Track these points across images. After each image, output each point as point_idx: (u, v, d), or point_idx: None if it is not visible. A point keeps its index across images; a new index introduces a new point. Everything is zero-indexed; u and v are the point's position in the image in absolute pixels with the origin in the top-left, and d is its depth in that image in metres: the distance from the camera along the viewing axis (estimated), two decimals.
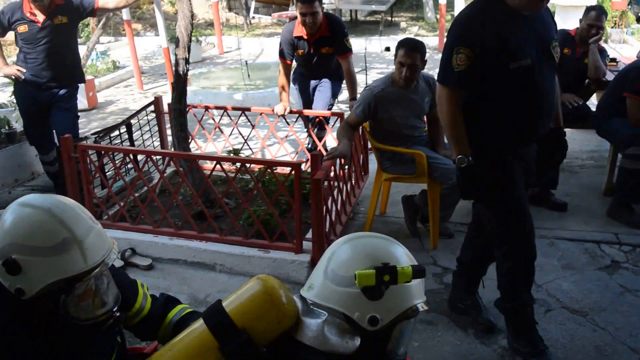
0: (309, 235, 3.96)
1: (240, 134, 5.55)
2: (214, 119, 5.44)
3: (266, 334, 1.61)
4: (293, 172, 3.77)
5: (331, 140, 5.04)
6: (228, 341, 1.58)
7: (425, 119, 4.46)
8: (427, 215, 4.27)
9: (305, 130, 5.70)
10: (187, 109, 4.87)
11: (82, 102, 8.41)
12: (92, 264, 1.66)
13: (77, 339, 1.82)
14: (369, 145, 4.88)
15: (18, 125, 5.62)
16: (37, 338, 1.73)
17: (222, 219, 4.45)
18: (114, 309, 1.78)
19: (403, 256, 1.60)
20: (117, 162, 4.41)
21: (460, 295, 3.38)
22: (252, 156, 5.51)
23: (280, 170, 4.58)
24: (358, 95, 4.60)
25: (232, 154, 5.05)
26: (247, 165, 4.16)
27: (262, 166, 4.44)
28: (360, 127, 4.51)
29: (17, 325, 1.71)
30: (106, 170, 4.79)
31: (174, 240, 4.18)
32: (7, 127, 5.55)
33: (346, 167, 4.26)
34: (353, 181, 4.78)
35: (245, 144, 5.48)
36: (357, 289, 1.50)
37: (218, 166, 4.04)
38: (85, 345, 1.86)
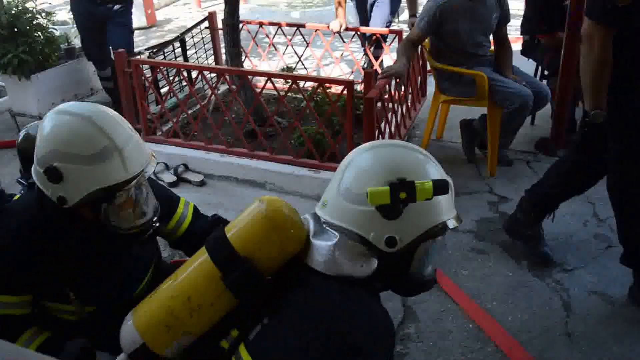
0: None
1: (295, 52, 5.40)
2: (268, 37, 5.29)
3: (271, 261, 1.44)
4: (345, 90, 3.63)
5: (388, 60, 4.83)
6: (230, 271, 1.42)
7: (492, 38, 4.18)
8: (486, 141, 4.07)
9: (362, 49, 5.49)
10: (241, 25, 4.73)
11: (140, 19, 8.40)
12: (132, 173, 1.63)
13: (117, 248, 1.83)
14: (428, 67, 4.66)
15: (77, 42, 5.63)
16: (78, 247, 1.74)
17: (273, 137, 4.39)
18: (153, 219, 1.78)
19: (427, 168, 1.37)
20: (170, 78, 4.37)
21: (525, 222, 3.18)
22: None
23: (333, 90, 4.44)
24: (419, 12, 4.35)
25: (285, 72, 4.92)
26: (300, 83, 4.03)
27: (314, 84, 4.30)
28: (420, 46, 4.28)
29: (59, 234, 1.71)
30: (160, 87, 4.76)
31: (225, 158, 4.16)
32: (66, 43, 5.56)
33: (401, 87, 4.08)
34: (409, 103, 4.60)
35: (300, 62, 5.34)
36: (371, 206, 1.31)
37: (270, 84, 3.93)
38: (125, 255, 1.87)
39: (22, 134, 2.03)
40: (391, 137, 4.13)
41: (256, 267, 1.42)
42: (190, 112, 4.59)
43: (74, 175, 1.59)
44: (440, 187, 1.30)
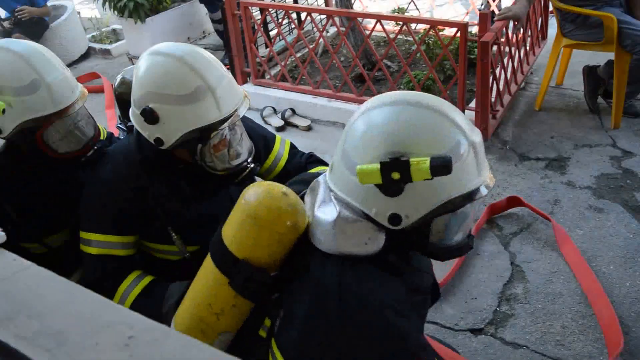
0: (473, 104, 3.68)
1: None
2: None
3: (272, 255, 1.32)
4: (459, 33, 3.45)
5: (507, 0, 4.53)
6: (234, 276, 1.33)
7: None
8: (611, 89, 3.75)
9: None
10: None
11: None
12: (226, 113, 1.64)
13: (214, 189, 1.85)
14: (550, 7, 4.32)
15: None
16: (177, 188, 1.79)
17: (382, 82, 4.29)
18: (248, 160, 1.79)
19: (438, 139, 1.14)
20: (279, 21, 4.34)
21: None
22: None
23: (446, 32, 4.24)
24: None
25: (396, 13, 4.75)
26: (411, 25, 3.87)
27: (425, 26, 4.12)
28: None
29: (158, 175, 1.76)
30: (269, 29, 4.75)
31: (332, 102, 4.12)
32: None
33: (520, 30, 3.81)
34: (527, 46, 4.31)
35: (412, 3, 5.13)
36: None
37: (380, 26, 3.80)
38: (222, 195, 1.88)
39: (118, 78, 2.08)
40: (506, 83, 3.91)
41: (257, 268, 1.31)
42: (298, 55, 4.56)
43: (169, 116, 1.62)
44: (439, 168, 1.09)
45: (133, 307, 1.75)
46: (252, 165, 1.80)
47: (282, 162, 2.03)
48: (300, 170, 1.98)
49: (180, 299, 1.71)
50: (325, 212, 1.27)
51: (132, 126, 1.77)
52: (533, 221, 2.99)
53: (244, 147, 1.78)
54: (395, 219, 1.16)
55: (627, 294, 2.51)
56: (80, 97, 1.87)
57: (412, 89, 3.75)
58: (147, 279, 1.80)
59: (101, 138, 2.03)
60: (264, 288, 1.33)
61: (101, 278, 1.78)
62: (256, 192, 1.31)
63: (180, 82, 1.60)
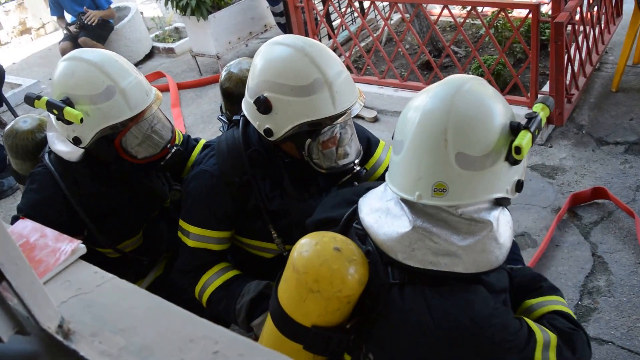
0: (546, 88, 3.54)
1: None
2: None
3: (344, 315, 1.28)
4: (530, 14, 3.32)
5: None
6: (308, 342, 1.28)
7: None
8: None
9: None
10: None
11: None
12: (340, 109, 1.60)
13: (317, 190, 1.81)
14: None
15: None
16: (280, 186, 1.76)
17: (450, 69, 4.21)
18: (355, 162, 1.73)
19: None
20: (342, 11, 4.31)
21: None
22: None
23: (515, 14, 4.09)
24: None
25: None
26: (479, 9, 3.76)
27: (494, 9, 3.99)
28: None
29: (263, 171, 1.74)
30: (332, 20, 4.73)
31: (399, 92, 4.06)
32: None
33: (594, 7, 3.64)
34: (602, 25, 4.11)
35: None
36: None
37: (446, 11, 3.71)
38: (324, 197, 1.83)
39: (224, 73, 2.08)
40: (581, 64, 3.75)
41: (330, 329, 1.27)
42: (362, 45, 4.52)
43: (283, 107, 1.59)
44: None
45: (211, 297, 1.78)
46: (359, 168, 1.75)
47: (382, 169, 1.97)
48: None
49: (257, 297, 1.73)
50: (393, 223, 1.25)
51: (236, 120, 1.77)
52: (614, 209, 2.86)
53: (353, 147, 1.73)
54: (518, 184, 1.24)
55: None
56: (155, 99, 1.89)
57: (482, 75, 3.67)
58: (230, 273, 1.81)
59: (176, 142, 2.04)
60: (337, 347, 1.30)
61: (191, 269, 1.81)
62: (309, 259, 1.23)
63: (299, 73, 1.57)
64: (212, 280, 1.80)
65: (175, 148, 1.96)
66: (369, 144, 1.94)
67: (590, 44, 3.83)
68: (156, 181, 2.10)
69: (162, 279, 2.17)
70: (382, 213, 1.29)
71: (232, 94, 2.02)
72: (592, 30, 3.84)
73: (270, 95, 1.58)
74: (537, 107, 1.24)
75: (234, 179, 1.73)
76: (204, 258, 1.80)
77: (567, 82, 3.53)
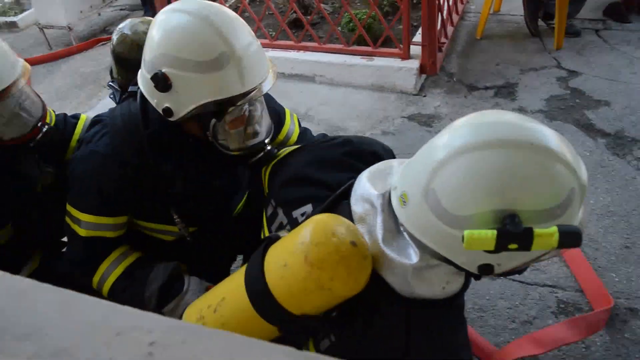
0: (417, 38, 3.58)
1: None
2: None
3: (336, 302, 1.16)
4: None
5: None
6: (288, 329, 1.18)
7: None
8: (551, 11, 3.73)
9: None
10: None
11: None
12: (249, 86, 1.40)
13: (220, 169, 1.66)
14: None
15: None
16: (183, 166, 1.58)
17: (320, 25, 4.14)
18: (265, 141, 1.55)
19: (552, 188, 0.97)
20: None
21: None
22: None
23: None
24: None
25: None
26: None
27: None
28: None
29: (163, 151, 1.54)
30: None
31: (270, 52, 3.95)
32: None
33: None
34: None
35: None
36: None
37: None
38: (227, 176, 1.70)
39: (116, 35, 1.79)
40: (448, 13, 3.82)
41: (318, 317, 1.16)
42: (227, 5, 4.34)
43: (184, 85, 1.38)
44: (568, 242, 0.94)
45: (114, 287, 1.60)
46: (270, 148, 1.57)
47: (294, 137, 1.84)
48: None
49: (166, 282, 1.57)
50: (399, 252, 1.12)
51: (132, 92, 1.56)
52: None
53: (263, 125, 1.55)
54: (486, 268, 1.04)
55: (591, 212, 2.52)
56: (23, 73, 1.62)
57: (354, 30, 3.64)
58: (131, 258, 1.63)
59: (47, 121, 1.78)
60: (324, 330, 1.21)
61: (85, 260, 1.61)
62: (328, 255, 1.09)
63: (203, 46, 1.36)
64: (112, 269, 1.60)
65: (47, 127, 1.71)
66: (278, 116, 1.79)
67: None
68: (25, 164, 1.83)
69: (38, 273, 1.92)
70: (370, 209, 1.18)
71: (126, 59, 1.73)
72: None
73: (170, 71, 1.37)
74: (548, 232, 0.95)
75: (129, 162, 1.51)
76: (100, 247, 1.60)
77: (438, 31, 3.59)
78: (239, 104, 1.41)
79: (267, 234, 1.44)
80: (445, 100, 3.38)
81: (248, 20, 4.15)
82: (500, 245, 0.94)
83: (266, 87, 1.44)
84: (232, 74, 1.37)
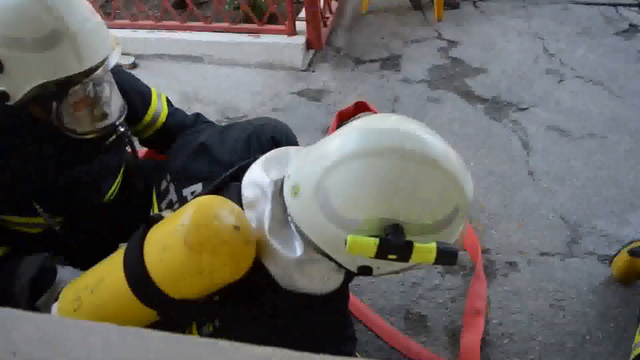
0: (302, 14, 3.59)
1: None
2: None
3: (216, 287, 1.15)
4: None
5: None
6: (167, 313, 1.17)
7: None
8: None
9: None
10: None
11: None
12: (88, 64, 1.34)
13: (81, 156, 1.57)
14: None
15: None
16: (35, 153, 1.49)
17: (205, 5, 4.08)
18: (117, 122, 1.49)
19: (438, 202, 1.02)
20: None
21: None
22: None
23: None
24: None
25: None
26: None
27: None
28: None
29: (8, 137, 1.46)
30: None
31: (156, 33, 3.83)
32: None
33: None
34: None
35: None
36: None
37: None
38: (92, 161, 1.62)
39: None
40: None
41: (199, 302, 1.15)
42: None
43: (17, 65, 1.30)
44: (445, 259, 0.99)
45: None
46: (123, 129, 1.51)
47: (163, 118, 1.78)
48: (185, 127, 1.75)
49: (37, 274, 1.50)
50: (284, 243, 1.12)
51: None
52: None
53: (113, 106, 1.48)
54: (365, 269, 1.08)
55: (474, 174, 2.63)
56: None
57: (238, 8, 3.60)
58: None
59: None
60: (205, 315, 1.19)
61: None
62: (207, 238, 1.06)
63: (31, 23, 1.28)
64: None
65: None
66: (142, 96, 1.74)
67: None
68: None
69: None
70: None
71: None
72: None
73: (0, 51, 1.29)
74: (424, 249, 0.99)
75: None
76: None
77: (322, 6, 3.62)
78: (80, 83, 1.36)
79: (156, 211, 1.41)
80: (333, 74, 3.42)
81: (130, 2, 4.04)
82: (381, 254, 0.98)
83: (110, 65, 1.40)
84: (66, 52, 1.31)
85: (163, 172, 1.45)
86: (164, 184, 1.42)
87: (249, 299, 1.17)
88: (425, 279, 2.15)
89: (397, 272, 1.14)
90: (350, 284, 1.31)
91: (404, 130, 1.03)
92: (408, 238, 0.98)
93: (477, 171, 2.66)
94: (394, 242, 0.97)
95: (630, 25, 3.86)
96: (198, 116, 1.86)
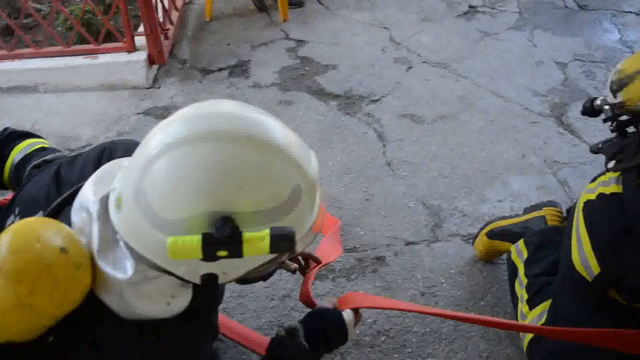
0: (142, 29, 3.40)
1: None
2: None
3: (47, 328, 0.98)
4: None
5: None
6: None
7: None
8: None
9: None
10: None
11: None
12: None
13: None
14: None
15: None
16: None
17: (35, 29, 3.77)
18: None
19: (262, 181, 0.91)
20: None
21: None
22: None
23: None
24: None
25: None
26: None
27: None
28: None
29: None
30: None
31: None
32: None
33: None
34: None
35: None
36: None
37: None
38: None
39: None
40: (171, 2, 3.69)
41: (24, 347, 0.97)
42: None
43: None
44: (281, 244, 0.87)
45: None
46: None
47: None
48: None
49: None
50: (115, 265, 0.98)
51: None
52: None
53: None
54: (210, 277, 0.94)
55: (332, 172, 2.61)
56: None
57: (72, 28, 3.35)
58: None
59: None
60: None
61: None
62: (27, 264, 0.90)
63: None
64: None
65: None
66: None
67: None
68: None
69: None
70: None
71: None
72: None
73: None
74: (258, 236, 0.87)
75: None
76: None
77: (162, 19, 3.45)
78: None
79: None
80: (180, 88, 3.26)
81: None
82: (209, 253, 0.85)
83: None
84: None
85: (12, 207, 1.26)
86: (10, 219, 1.24)
87: (88, 335, 1.01)
88: (294, 290, 2.08)
89: (262, 278, 1.04)
90: None
91: (225, 112, 0.93)
92: (245, 231, 0.86)
93: (336, 169, 2.62)
94: (218, 236, 0.85)
95: (470, 6, 4.02)
96: (5, 131, 1.59)
